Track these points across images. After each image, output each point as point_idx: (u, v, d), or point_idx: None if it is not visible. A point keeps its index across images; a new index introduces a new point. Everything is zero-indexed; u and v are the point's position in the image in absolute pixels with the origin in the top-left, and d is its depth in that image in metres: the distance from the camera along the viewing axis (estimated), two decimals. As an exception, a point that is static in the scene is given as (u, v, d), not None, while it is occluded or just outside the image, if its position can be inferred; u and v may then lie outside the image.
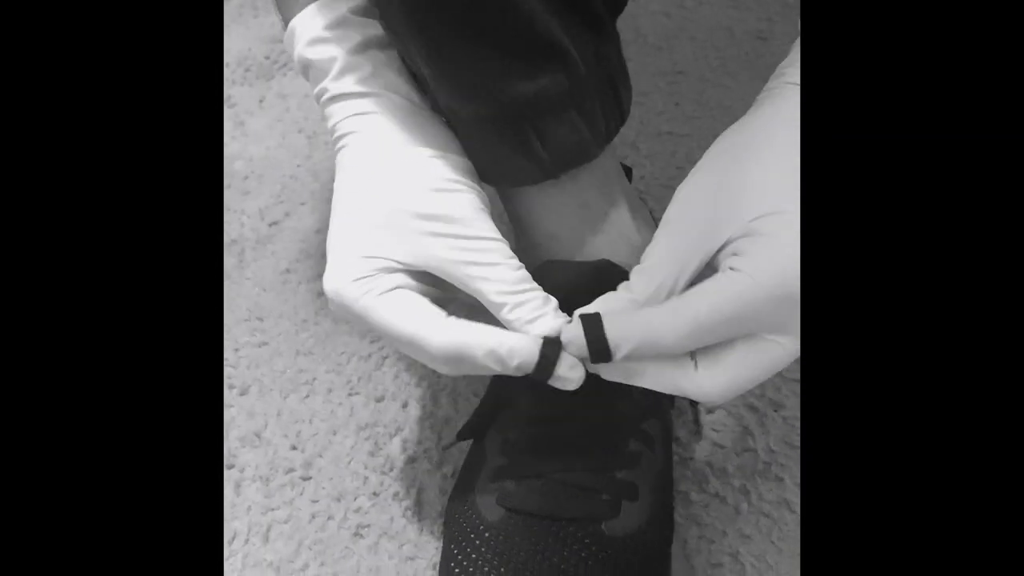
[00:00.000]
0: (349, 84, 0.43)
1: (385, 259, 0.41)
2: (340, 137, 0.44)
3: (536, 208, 0.45)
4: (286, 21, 0.45)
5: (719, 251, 0.38)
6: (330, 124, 0.44)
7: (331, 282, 0.41)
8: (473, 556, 0.43)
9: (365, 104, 0.43)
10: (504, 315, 0.40)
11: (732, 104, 0.71)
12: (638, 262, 0.46)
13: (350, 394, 0.55)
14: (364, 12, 0.44)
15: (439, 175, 0.42)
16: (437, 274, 0.41)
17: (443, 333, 0.39)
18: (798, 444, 0.50)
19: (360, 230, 0.41)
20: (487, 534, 0.43)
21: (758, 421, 0.51)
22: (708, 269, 0.39)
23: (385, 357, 0.57)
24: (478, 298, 0.41)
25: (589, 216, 0.45)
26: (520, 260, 0.46)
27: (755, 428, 0.51)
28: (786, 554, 0.46)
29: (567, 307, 0.44)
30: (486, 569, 0.42)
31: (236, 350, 0.59)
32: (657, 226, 0.41)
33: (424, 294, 0.41)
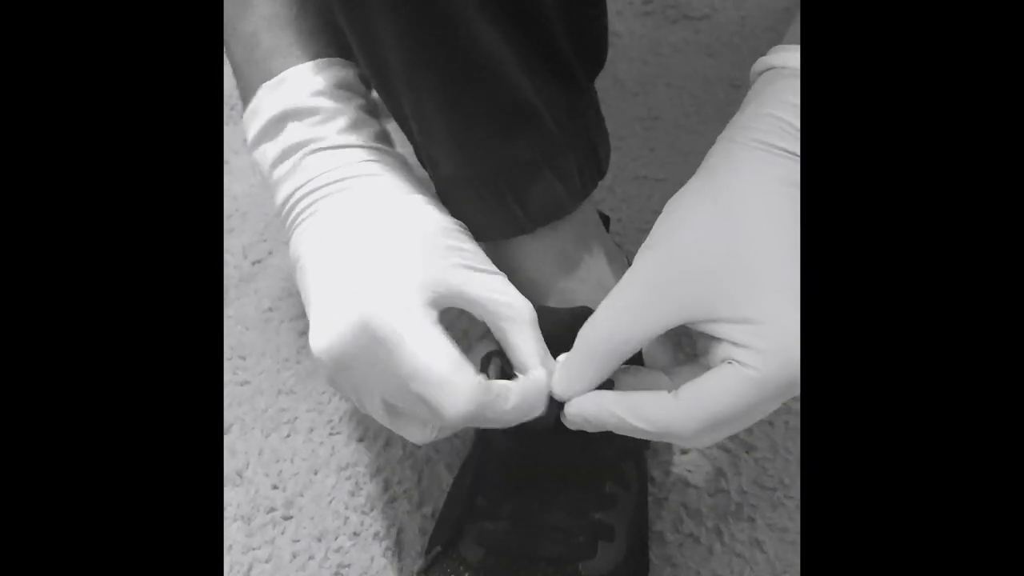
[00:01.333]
0: (357, 138, 0.43)
1: (433, 292, 0.39)
2: (341, 180, 0.42)
3: (515, 257, 0.47)
4: (274, 71, 0.44)
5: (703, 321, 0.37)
6: (320, 172, 0.42)
7: (386, 309, 0.37)
8: (453, 596, 0.44)
9: (375, 155, 0.43)
10: (519, 354, 0.40)
11: (706, 150, 0.72)
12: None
13: (331, 433, 0.56)
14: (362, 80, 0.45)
15: (451, 218, 0.42)
16: (460, 303, 0.40)
17: (472, 383, 0.37)
18: (769, 485, 0.52)
19: (399, 258, 0.39)
20: (467, 574, 0.44)
21: (731, 462, 0.53)
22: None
23: (366, 397, 0.58)
24: (498, 334, 0.41)
25: (567, 264, 0.47)
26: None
27: (728, 469, 0.53)
28: (758, 594, 0.48)
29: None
30: (465, 609, 0.43)
31: (218, 388, 0.59)
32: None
33: None
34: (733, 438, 0.54)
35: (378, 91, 0.45)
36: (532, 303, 0.46)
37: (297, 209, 0.42)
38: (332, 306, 0.38)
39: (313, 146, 0.42)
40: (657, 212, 0.67)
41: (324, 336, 0.38)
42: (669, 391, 0.37)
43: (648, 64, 0.81)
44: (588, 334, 0.39)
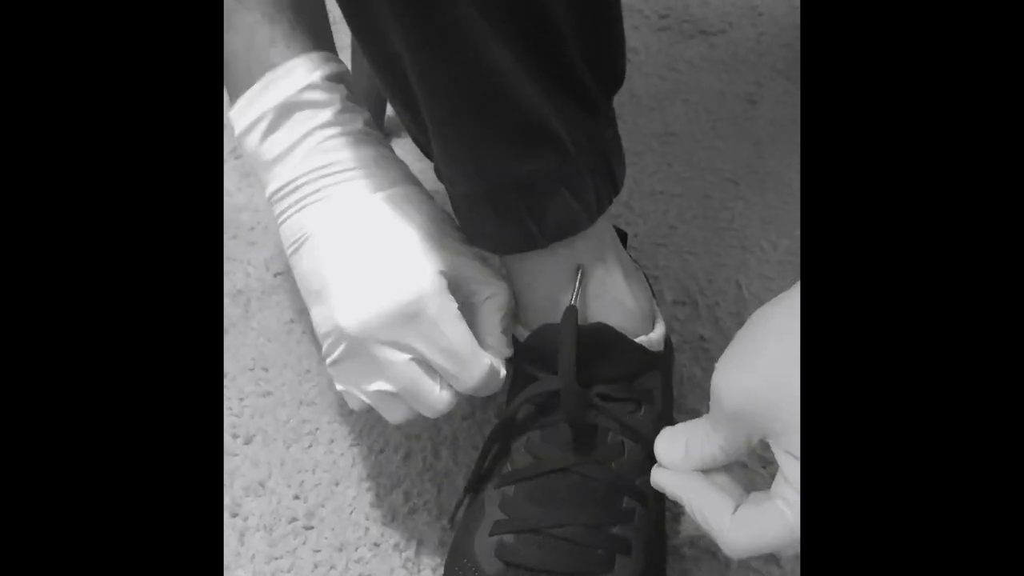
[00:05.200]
0: (356, 127, 0.46)
1: (447, 277, 0.45)
2: (350, 170, 0.46)
3: (533, 273, 0.47)
4: (274, 62, 0.46)
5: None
6: (328, 161, 0.45)
7: (416, 284, 0.43)
8: (472, 608, 0.45)
9: (373, 145, 0.47)
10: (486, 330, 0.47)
11: (722, 165, 0.73)
12: (632, 326, 0.48)
13: (352, 445, 0.57)
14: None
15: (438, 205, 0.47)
16: (455, 282, 0.46)
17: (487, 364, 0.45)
18: (785, 500, 0.52)
19: (418, 247, 0.44)
20: (486, 587, 0.45)
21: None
22: None
23: (386, 409, 0.59)
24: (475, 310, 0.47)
25: (584, 281, 0.47)
26: (519, 320, 0.49)
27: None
28: (773, 608, 0.48)
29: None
30: (484, 620, 0.44)
31: (241, 399, 0.60)
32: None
33: None
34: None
35: (396, 109, 0.47)
36: (549, 319, 0.47)
37: (303, 192, 0.45)
38: (363, 287, 0.44)
39: (320, 135, 0.45)
40: (674, 227, 0.69)
41: (356, 314, 0.43)
42: (736, 504, 0.39)
43: (664, 79, 0.82)
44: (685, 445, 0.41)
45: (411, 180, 0.48)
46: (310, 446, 0.57)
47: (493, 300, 0.47)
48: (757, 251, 0.67)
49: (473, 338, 0.45)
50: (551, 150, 0.43)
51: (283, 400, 0.60)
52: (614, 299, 0.48)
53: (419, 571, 0.51)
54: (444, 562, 0.49)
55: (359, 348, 0.44)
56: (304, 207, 0.46)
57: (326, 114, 0.46)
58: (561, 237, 0.46)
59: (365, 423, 0.58)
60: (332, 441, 0.57)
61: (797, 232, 0.68)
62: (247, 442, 0.58)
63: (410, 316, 0.43)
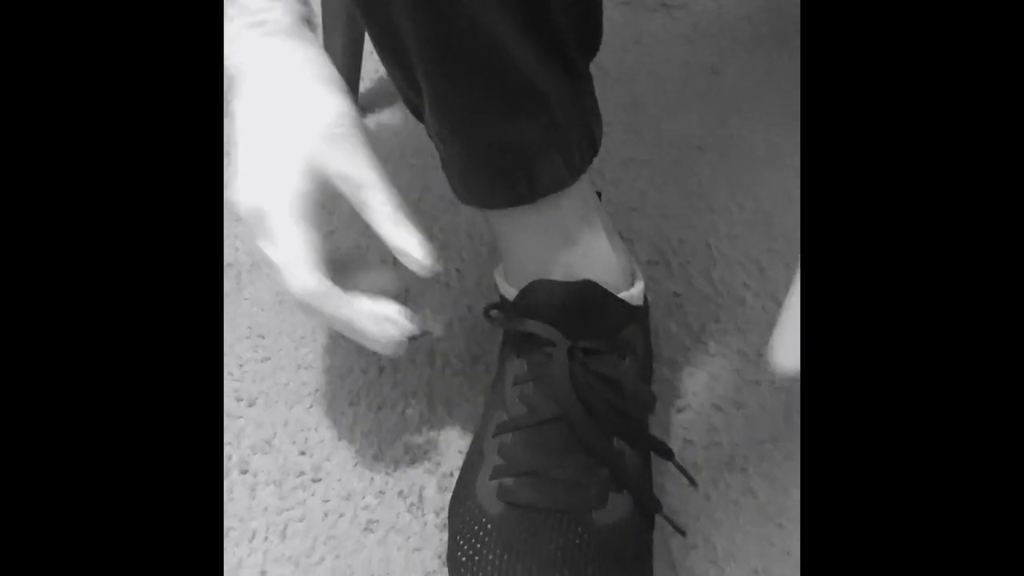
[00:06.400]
0: (290, 22, 0.48)
1: (315, 179, 0.46)
2: (270, 59, 0.48)
3: (520, 231, 0.51)
4: None
5: None
6: (257, 48, 0.48)
7: (269, 200, 0.46)
8: (477, 545, 0.48)
9: (302, 40, 0.49)
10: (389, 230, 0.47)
11: (689, 133, 0.77)
12: (615, 282, 0.52)
13: (351, 403, 0.60)
14: None
15: (348, 103, 0.48)
16: (335, 182, 0.47)
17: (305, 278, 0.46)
18: (759, 438, 0.57)
19: (294, 146, 0.46)
20: (489, 525, 0.49)
21: (723, 419, 0.58)
22: None
23: (382, 369, 0.62)
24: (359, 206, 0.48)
25: (570, 239, 0.51)
26: (506, 278, 0.52)
27: (720, 425, 0.57)
28: (752, 536, 0.52)
29: (554, 323, 0.50)
30: (490, 557, 0.48)
31: (240, 365, 0.63)
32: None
33: None
34: (723, 396, 0.58)
35: (389, 71, 0.49)
36: (537, 276, 0.50)
37: (235, 70, 0.48)
38: (239, 178, 0.47)
39: (260, 30, 0.48)
40: (645, 192, 0.73)
41: (233, 200, 0.48)
42: None
43: (629, 52, 0.85)
44: None
45: (324, 76, 0.48)
46: (311, 406, 0.60)
47: (366, 190, 0.47)
48: (724, 213, 0.71)
49: (304, 253, 0.46)
50: (540, 110, 0.46)
51: (281, 365, 0.63)
52: (599, 257, 0.52)
53: (423, 514, 0.54)
54: (448, 505, 0.52)
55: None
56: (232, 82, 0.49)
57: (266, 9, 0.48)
58: (547, 193, 0.49)
59: (363, 383, 0.61)
60: (332, 400, 0.60)
61: (761, 194, 0.72)
62: (250, 404, 0.60)
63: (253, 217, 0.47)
